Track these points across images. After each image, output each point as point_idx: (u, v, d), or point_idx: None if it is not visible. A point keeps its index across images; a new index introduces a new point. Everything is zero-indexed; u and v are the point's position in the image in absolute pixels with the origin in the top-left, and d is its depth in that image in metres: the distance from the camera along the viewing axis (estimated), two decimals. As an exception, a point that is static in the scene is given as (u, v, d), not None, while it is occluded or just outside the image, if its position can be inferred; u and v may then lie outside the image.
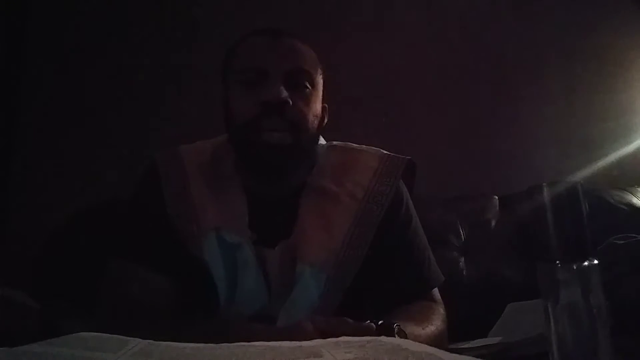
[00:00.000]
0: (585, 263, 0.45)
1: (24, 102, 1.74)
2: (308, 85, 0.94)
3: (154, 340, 0.54)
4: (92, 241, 1.28)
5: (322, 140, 1.06)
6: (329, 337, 0.61)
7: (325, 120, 1.03)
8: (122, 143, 1.72)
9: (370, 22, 1.93)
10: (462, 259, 1.54)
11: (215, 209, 0.94)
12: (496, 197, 1.68)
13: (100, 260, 0.94)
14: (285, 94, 0.89)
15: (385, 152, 1.03)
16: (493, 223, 1.62)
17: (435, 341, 0.82)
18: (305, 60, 0.95)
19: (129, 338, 0.54)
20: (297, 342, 0.58)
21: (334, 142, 1.07)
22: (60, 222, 1.43)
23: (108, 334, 0.55)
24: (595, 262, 0.45)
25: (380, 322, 0.75)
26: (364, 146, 1.06)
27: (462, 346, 1.01)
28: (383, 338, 0.60)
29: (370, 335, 0.72)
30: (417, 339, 0.78)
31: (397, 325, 0.75)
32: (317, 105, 0.97)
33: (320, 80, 0.98)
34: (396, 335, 0.74)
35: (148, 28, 1.80)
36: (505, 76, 1.97)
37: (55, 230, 1.42)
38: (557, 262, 0.45)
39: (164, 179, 0.97)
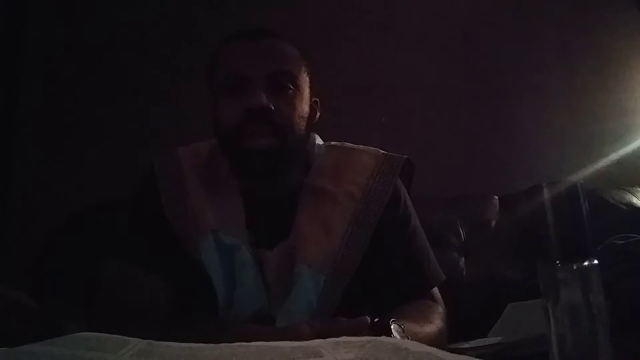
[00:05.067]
0: (585, 263, 0.45)
1: (24, 102, 1.74)
2: (291, 87, 0.93)
3: (154, 340, 0.54)
4: (91, 242, 1.28)
5: (319, 140, 1.06)
6: (326, 338, 0.61)
7: (318, 115, 1.01)
8: (121, 144, 1.72)
9: (371, 23, 1.93)
10: (462, 259, 1.54)
11: (213, 210, 0.94)
12: (496, 197, 1.68)
13: (99, 261, 0.94)
14: (266, 100, 0.88)
15: (382, 151, 1.03)
16: (493, 223, 1.62)
17: (435, 340, 0.82)
18: (286, 60, 0.94)
19: (129, 338, 0.54)
20: (298, 342, 0.58)
21: (332, 142, 1.07)
22: (59, 223, 1.43)
23: (108, 334, 0.55)
24: (595, 262, 0.45)
25: (376, 319, 0.75)
26: (361, 146, 1.05)
27: (462, 346, 1.01)
28: (383, 338, 0.60)
29: (365, 329, 0.72)
30: (416, 338, 0.78)
31: (393, 320, 0.75)
32: (304, 105, 0.95)
33: (305, 79, 0.97)
34: (393, 332, 0.74)
35: (148, 28, 1.80)
36: (505, 76, 1.97)
37: (55, 231, 1.42)
38: (557, 262, 0.45)
39: (161, 180, 0.97)
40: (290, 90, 0.93)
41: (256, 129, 0.89)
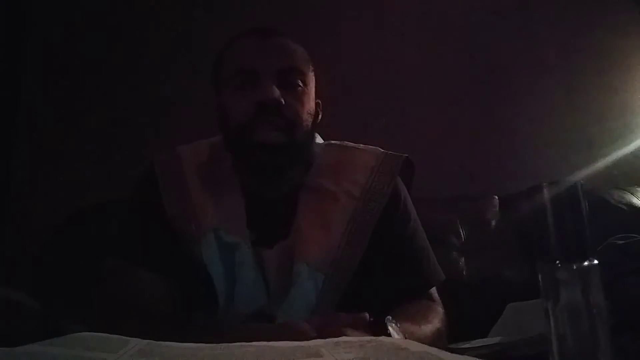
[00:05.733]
0: (585, 263, 0.45)
1: (23, 102, 1.74)
2: (300, 84, 0.94)
3: (154, 340, 0.54)
4: (91, 241, 1.28)
5: (319, 139, 1.07)
6: (324, 334, 0.61)
7: (320, 116, 1.03)
8: (121, 143, 1.72)
9: (370, 22, 1.93)
10: (462, 259, 1.54)
11: (214, 209, 0.94)
12: (496, 197, 1.68)
13: (99, 261, 0.94)
14: (277, 93, 0.90)
15: (382, 150, 1.03)
16: (493, 223, 1.62)
17: (433, 340, 0.82)
18: (296, 58, 0.96)
19: (129, 338, 0.54)
20: (297, 342, 0.58)
21: (332, 141, 1.07)
22: (60, 223, 1.43)
23: (108, 334, 0.55)
24: (595, 262, 0.45)
25: (371, 318, 0.75)
26: (361, 145, 1.06)
27: (462, 346, 1.01)
28: (383, 338, 0.60)
29: (364, 325, 0.72)
30: (414, 337, 0.78)
31: (388, 317, 0.75)
32: (311, 103, 0.97)
33: (312, 77, 0.99)
34: (389, 328, 0.74)
35: (149, 28, 1.80)
36: (505, 76, 1.97)
37: (55, 231, 1.42)
38: (557, 262, 0.45)
39: (162, 179, 0.97)
40: (299, 87, 0.94)
41: (267, 122, 0.90)
